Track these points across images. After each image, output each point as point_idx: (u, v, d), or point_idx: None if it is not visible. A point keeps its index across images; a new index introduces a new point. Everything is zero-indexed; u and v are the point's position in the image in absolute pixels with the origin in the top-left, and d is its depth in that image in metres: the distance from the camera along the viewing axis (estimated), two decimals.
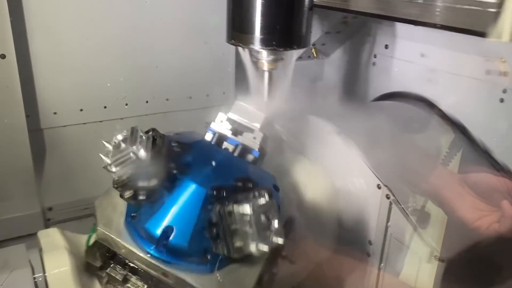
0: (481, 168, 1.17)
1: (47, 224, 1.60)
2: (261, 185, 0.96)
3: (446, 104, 1.32)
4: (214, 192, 0.90)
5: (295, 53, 1.22)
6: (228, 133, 1.06)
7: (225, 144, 1.05)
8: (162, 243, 0.89)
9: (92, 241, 1.05)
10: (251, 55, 1.19)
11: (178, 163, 0.92)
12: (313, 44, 1.77)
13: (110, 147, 0.93)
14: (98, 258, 1.00)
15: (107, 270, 0.98)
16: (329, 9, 1.30)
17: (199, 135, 1.08)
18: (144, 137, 0.89)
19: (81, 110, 1.63)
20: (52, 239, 1.07)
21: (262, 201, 0.85)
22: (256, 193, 0.86)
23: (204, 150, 1.03)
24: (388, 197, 1.11)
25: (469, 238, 1.04)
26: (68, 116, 1.62)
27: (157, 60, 1.70)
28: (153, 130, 0.93)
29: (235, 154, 1.04)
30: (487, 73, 1.17)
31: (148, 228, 0.92)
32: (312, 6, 1.14)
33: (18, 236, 1.50)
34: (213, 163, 0.95)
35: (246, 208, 0.84)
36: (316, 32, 1.73)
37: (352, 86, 1.70)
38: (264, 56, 1.15)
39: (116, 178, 0.89)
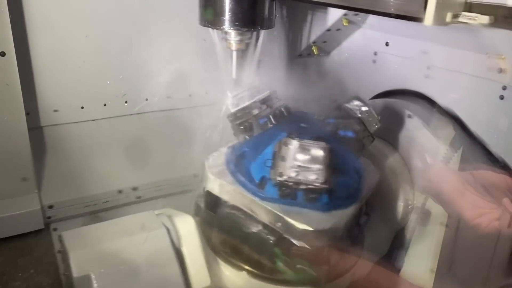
0: (481, 165, 1.16)
1: (48, 222, 1.60)
2: None
3: (446, 101, 1.32)
4: None
5: (262, 35, 1.44)
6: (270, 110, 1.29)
7: None
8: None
9: None
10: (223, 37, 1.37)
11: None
12: (314, 42, 1.77)
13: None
14: None
15: None
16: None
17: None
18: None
19: (82, 107, 1.63)
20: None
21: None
22: None
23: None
24: None
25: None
26: (68, 113, 1.62)
27: (156, 58, 1.70)
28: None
29: None
30: (487, 70, 1.17)
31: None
32: None
33: (19, 234, 1.50)
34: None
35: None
36: (317, 30, 1.73)
37: (353, 83, 1.69)
38: (232, 36, 1.33)
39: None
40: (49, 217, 1.60)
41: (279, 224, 1.12)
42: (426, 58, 1.37)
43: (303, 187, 1.11)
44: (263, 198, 1.16)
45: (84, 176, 1.69)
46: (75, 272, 1.05)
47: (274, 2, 1.31)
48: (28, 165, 1.51)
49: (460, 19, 0.95)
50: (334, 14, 1.60)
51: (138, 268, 1.11)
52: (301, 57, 1.88)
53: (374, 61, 1.59)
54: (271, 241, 1.16)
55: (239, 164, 1.26)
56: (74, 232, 1.20)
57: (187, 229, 1.23)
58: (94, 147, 1.69)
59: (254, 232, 1.19)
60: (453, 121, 1.28)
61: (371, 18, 1.55)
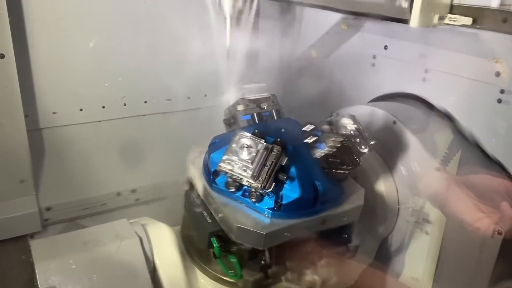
0: (479, 169, 1.16)
1: (45, 224, 1.59)
2: None
3: (444, 104, 1.32)
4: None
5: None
6: (257, 110, 1.30)
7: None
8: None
9: None
10: None
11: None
12: (313, 45, 1.77)
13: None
14: None
15: None
16: None
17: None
18: None
19: (81, 110, 1.63)
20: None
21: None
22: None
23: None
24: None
25: None
26: (67, 116, 1.62)
27: (155, 61, 1.70)
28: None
29: None
30: (485, 74, 1.17)
31: None
32: None
33: (16, 236, 1.50)
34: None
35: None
36: (316, 33, 1.73)
37: (352, 86, 1.70)
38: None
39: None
40: (46, 220, 1.60)
41: (220, 215, 1.10)
42: (424, 61, 1.38)
43: (244, 182, 1.06)
44: (213, 188, 1.14)
45: (83, 178, 1.69)
46: (41, 284, 1.04)
47: None
48: (26, 167, 1.51)
49: (446, 21, 0.95)
50: (333, 18, 1.61)
51: (108, 279, 1.08)
52: (300, 60, 1.88)
53: (373, 64, 1.59)
54: (210, 230, 1.14)
55: (209, 154, 1.24)
56: (44, 241, 1.18)
57: (161, 238, 1.21)
58: (92, 149, 1.69)
59: (201, 218, 1.18)
60: (451, 124, 1.28)
61: (370, 21, 1.56)
